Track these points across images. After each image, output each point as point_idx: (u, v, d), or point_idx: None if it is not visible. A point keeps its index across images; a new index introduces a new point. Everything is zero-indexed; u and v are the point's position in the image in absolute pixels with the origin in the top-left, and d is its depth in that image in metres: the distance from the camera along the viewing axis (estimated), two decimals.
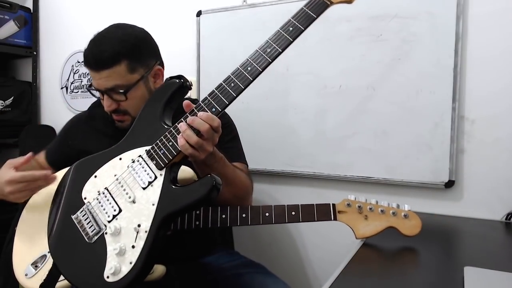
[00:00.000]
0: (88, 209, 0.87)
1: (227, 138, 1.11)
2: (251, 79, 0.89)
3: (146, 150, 0.87)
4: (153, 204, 0.81)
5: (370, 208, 0.89)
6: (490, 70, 1.19)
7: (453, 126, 1.21)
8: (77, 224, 0.86)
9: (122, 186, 0.86)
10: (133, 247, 0.79)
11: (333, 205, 0.91)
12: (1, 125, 2.03)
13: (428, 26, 1.23)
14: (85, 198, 0.89)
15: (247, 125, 1.52)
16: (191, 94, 1.64)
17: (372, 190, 1.35)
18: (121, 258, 0.79)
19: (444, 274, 0.78)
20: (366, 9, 1.31)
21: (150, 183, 0.84)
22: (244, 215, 0.93)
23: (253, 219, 0.93)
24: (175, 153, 0.84)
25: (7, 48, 2.05)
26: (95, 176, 0.90)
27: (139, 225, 0.80)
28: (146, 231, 0.79)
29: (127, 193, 0.85)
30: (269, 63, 0.88)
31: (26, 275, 0.99)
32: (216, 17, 1.57)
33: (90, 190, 0.89)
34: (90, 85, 1.04)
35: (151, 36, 1.09)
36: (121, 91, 0.99)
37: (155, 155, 0.85)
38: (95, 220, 0.85)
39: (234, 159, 1.07)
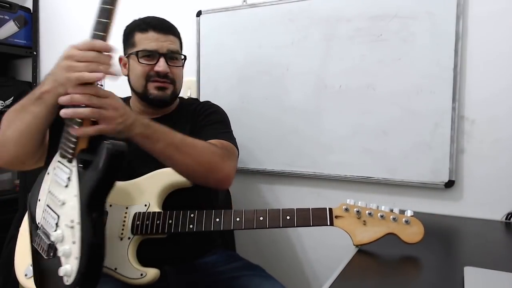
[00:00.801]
0: (41, 231, 0.88)
1: (207, 119, 1.14)
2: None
3: (58, 153, 0.86)
4: (75, 196, 0.81)
5: (369, 213, 0.85)
6: (490, 70, 1.19)
7: (453, 126, 1.21)
8: (38, 249, 0.87)
9: (53, 195, 0.87)
10: (73, 243, 0.79)
11: (330, 209, 0.89)
12: None
13: (428, 26, 1.23)
14: (38, 223, 0.90)
15: (247, 125, 1.52)
16: (191, 93, 1.64)
17: (372, 190, 1.35)
18: (68, 258, 0.80)
19: (444, 274, 0.78)
20: (366, 9, 1.31)
21: (69, 179, 0.82)
22: (238, 219, 0.92)
23: (246, 223, 0.92)
24: (73, 139, 0.80)
25: (7, 48, 2.05)
26: (39, 200, 0.92)
27: (72, 221, 0.80)
28: (78, 223, 0.79)
29: (58, 199, 0.85)
30: None
31: (26, 275, 1.00)
32: (216, 17, 1.57)
33: (39, 213, 0.91)
34: (138, 51, 1.10)
35: None
36: (182, 56, 1.16)
37: (64, 153, 0.84)
38: (48, 237, 0.85)
39: (207, 138, 1.03)
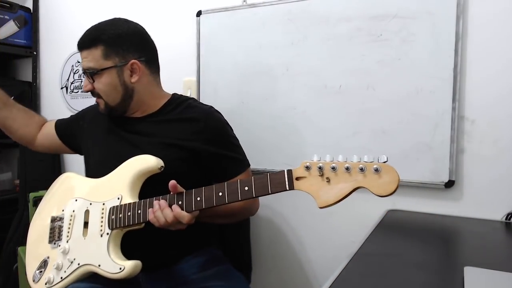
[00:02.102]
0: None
1: (226, 152, 1.12)
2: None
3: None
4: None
5: (333, 168, 0.71)
6: (490, 70, 1.19)
7: (453, 126, 1.21)
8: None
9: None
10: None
11: (289, 171, 0.77)
12: None
13: (428, 26, 1.23)
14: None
15: (247, 125, 1.52)
16: (191, 93, 1.64)
17: None
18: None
19: (444, 274, 0.78)
20: (366, 9, 1.31)
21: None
22: (198, 199, 0.90)
23: (207, 202, 0.89)
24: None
25: (7, 48, 2.05)
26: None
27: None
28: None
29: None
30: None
31: (33, 280, 1.05)
32: (216, 17, 1.57)
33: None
34: None
35: (145, 36, 1.16)
36: (90, 72, 1.08)
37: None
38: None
39: (236, 173, 1.12)
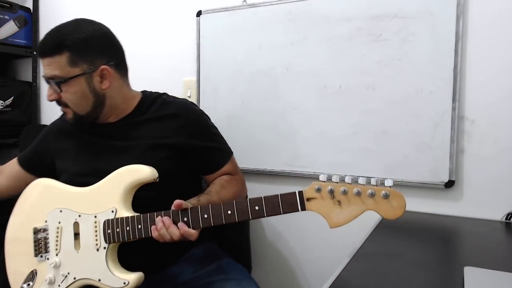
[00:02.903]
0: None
1: (209, 144, 1.11)
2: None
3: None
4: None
5: (344, 191, 0.75)
6: (490, 70, 1.19)
7: (453, 126, 1.21)
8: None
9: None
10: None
11: (300, 193, 0.80)
12: (1, 125, 2.02)
13: (428, 26, 1.23)
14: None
15: (247, 125, 1.52)
16: (191, 93, 1.64)
17: None
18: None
19: (444, 274, 0.78)
20: (366, 9, 1.31)
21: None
22: (205, 216, 0.87)
23: (215, 219, 0.86)
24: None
25: (7, 48, 2.04)
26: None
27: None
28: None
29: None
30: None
31: None
32: (216, 17, 1.57)
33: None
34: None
35: (111, 37, 1.08)
36: (56, 81, 1.00)
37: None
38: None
39: (221, 163, 1.12)
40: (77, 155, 1.10)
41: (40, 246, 1.01)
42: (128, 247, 0.96)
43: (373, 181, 0.75)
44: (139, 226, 0.91)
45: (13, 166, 1.23)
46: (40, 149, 1.19)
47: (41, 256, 1.00)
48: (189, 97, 1.64)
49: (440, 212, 1.24)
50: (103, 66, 1.02)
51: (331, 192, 0.77)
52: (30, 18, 2.12)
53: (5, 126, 2.04)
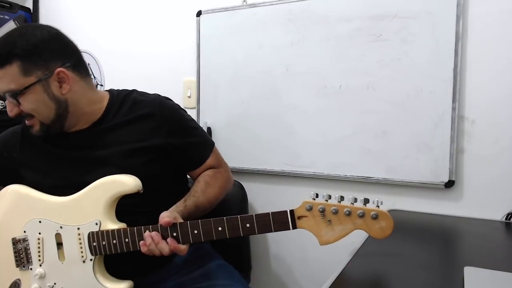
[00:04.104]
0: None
1: (189, 139, 1.07)
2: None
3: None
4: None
5: (334, 211, 0.79)
6: (490, 70, 1.19)
7: (453, 126, 1.21)
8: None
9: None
10: None
11: (291, 212, 0.82)
12: (1, 125, 2.02)
13: (428, 26, 1.23)
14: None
15: (247, 125, 1.52)
16: (191, 93, 1.64)
17: (372, 190, 1.35)
18: None
19: (444, 274, 0.78)
20: (366, 9, 1.31)
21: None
22: (196, 232, 0.86)
23: (205, 235, 0.86)
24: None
25: None
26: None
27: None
28: None
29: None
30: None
31: None
32: (216, 17, 1.57)
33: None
34: None
35: (63, 38, 1.00)
36: (12, 94, 0.93)
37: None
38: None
39: (204, 157, 1.08)
40: (49, 167, 1.02)
41: (22, 257, 0.98)
42: (115, 254, 0.94)
43: (358, 202, 0.79)
44: (126, 240, 0.90)
45: None
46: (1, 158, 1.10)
47: (24, 267, 0.98)
48: (189, 97, 1.64)
49: (440, 212, 1.24)
50: (59, 69, 0.94)
51: (322, 211, 0.80)
52: (30, 18, 2.12)
53: (5, 126, 2.03)
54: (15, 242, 0.99)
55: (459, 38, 1.19)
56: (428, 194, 1.27)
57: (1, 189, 1.07)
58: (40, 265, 0.96)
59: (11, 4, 2.04)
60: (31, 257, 0.98)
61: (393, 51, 1.28)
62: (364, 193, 1.35)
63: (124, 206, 0.94)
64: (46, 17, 2.13)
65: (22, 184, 1.04)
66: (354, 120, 1.34)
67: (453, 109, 1.21)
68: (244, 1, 1.53)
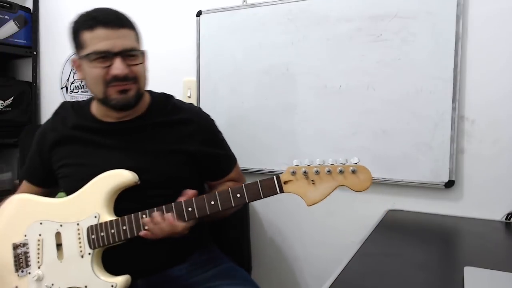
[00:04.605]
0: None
1: (218, 151, 1.13)
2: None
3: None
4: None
5: (316, 171, 0.84)
6: (490, 70, 1.19)
7: (453, 126, 1.21)
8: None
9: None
10: None
11: (277, 177, 0.87)
12: (1, 125, 2.03)
13: (428, 26, 1.23)
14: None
15: (247, 125, 1.52)
16: (191, 93, 1.64)
17: (372, 190, 1.34)
18: None
19: (444, 274, 0.78)
20: (366, 9, 1.31)
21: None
22: (190, 209, 0.90)
23: (199, 211, 0.89)
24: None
25: (7, 48, 2.05)
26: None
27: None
28: None
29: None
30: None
31: None
32: (216, 17, 1.57)
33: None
34: (85, 55, 0.97)
35: None
36: (139, 51, 1.00)
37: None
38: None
39: (228, 170, 1.14)
40: (88, 156, 1.04)
41: (21, 261, 0.99)
42: (126, 250, 0.95)
43: (341, 160, 0.85)
44: (124, 227, 0.92)
45: (26, 188, 1.15)
46: (39, 158, 1.12)
47: (22, 271, 0.99)
48: (189, 97, 1.64)
49: (440, 212, 1.24)
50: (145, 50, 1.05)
51: (305, 173, 0.85)
52: (30, 18, 2.12)
53: (5, 126, 2.04)
54: (15, 247, 1.00)
55: (459, 38, 1.19)
56: (428, 194, 1.27)
57: (45, 192, 1.13)
58: (39, 267, 0.97)
59: (11, 4, 2.04)
60: (29, 260, 0.98)
61: (393, 51, 1.28)
62: (364, 192, 1.35)
63: (147, 206, 0.95)
64: (46, 17, 2.13)
65: (60, 178, 1.08)
66: (354, 120, 1.34)
67: (453, 109, 1.21)
68: (244, 1, 1.53)
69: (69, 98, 2.05)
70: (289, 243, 1.52)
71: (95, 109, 1.08)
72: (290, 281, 1.52)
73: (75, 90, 2.03)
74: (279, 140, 1.47)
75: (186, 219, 0.90)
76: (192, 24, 1.63)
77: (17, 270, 0.99)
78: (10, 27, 2.05)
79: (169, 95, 1.16)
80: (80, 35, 0.98)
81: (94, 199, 0.96)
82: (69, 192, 1.02)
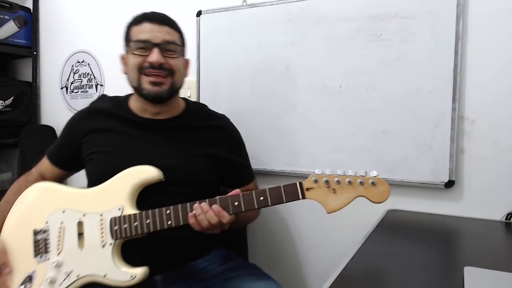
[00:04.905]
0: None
1: (242, 161, 1.21)
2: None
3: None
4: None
5: (337, 181, 0.88)
6: (490, 70, 1.19)
7: (453, 126, 1.21)
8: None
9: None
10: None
11: (300, 183, 0.91)
12: (1, 125, 2.03)
13: (428, 26, 1.23)
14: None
15: (247, 125, 1.52)
16: (191, 93, 1.64)
17: None
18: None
19: (444, 274, 0.78)
20: (366, 9, 1.31)
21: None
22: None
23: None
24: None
25: (7, 48, 2.05)
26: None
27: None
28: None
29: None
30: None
31: None
32: (216, 17, 1.57)
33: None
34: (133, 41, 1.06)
35: None
36: (179, 46, 1.09)
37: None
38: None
39: (247, 181, 1.21)
40: (125, 147, 1.08)
41: (40, 247, 1.01)
42: (148, 244, 0.98)
43: (361, 172, 0.88)
44: (148, 221, 0.94)
45: (46, 167, 1.19)
46: (70, 143, 1.15)
47: (41, 257, 1.01)
48: (189, 97, 1.64)
49: (440, 212, 1.24)
50: (188, 59, 1.16)
51: (327, 182, 0.89)
52: (30, 18, 2.12)
53: (5, 126, 2.04)
54: (35, 233, 1.03)
55: (459, 38, 1.19)
56: (428, 194, 1.27)
57: (61, 173, 1.19)
58: (58, 254, 1.00)
59: (11, 4, 2.04)
60: (49, 246, 1.01)
61: (393, 51, 1.28)
62: None
63: (169, 202, 0.96)
64: (46, 17, 2.13)
65: (89, 164, 1.11)
66: (354, 120, 1.34)
67: (453, 109, 1.21)
68: (244, 1, 1.53)
69: (69, 98, 2.05)
70: (289, 243, 1.52)
71: (133, 103, 1.14)
72: (290, 281, 1.52)
73: (75, 90, 2.03)
74: (279, 140, 1.47)
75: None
76: (192, 24, 1.63)
77: (36, 255, 1.01)
78: (10, 27, 2.05)
79: (202, 104, 1.25)
80: (129, 31, 1.09)
81: (119, 192, 0.99)
82: (94, 178, 1.06)
